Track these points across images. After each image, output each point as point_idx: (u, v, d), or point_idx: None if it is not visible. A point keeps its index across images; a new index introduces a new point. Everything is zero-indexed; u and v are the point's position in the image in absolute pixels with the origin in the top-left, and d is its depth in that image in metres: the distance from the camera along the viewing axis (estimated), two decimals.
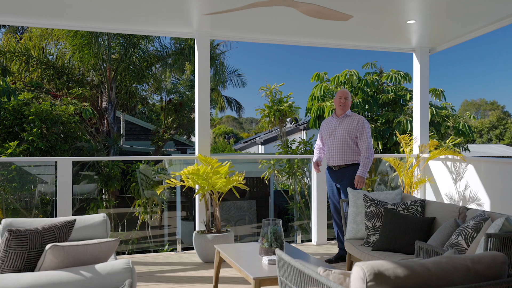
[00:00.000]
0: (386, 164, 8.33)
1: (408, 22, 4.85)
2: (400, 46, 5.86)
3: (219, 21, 4.86)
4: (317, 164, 4.75)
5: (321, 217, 5.46)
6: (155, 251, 8.27)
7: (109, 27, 5.05)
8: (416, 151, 5.72)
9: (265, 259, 3.16)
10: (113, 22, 4.89)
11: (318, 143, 4.85)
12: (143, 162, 9.11)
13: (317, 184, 5.46)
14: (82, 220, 3.47)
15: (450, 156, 5.33)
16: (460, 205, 3.69)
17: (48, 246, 2.15)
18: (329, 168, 4.68)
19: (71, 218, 3.36)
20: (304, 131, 18.32)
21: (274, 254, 3.26)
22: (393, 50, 5.95)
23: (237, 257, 3.30)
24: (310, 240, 5.64)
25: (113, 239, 2.38)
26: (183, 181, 4.80)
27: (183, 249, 5.21)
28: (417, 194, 5.52)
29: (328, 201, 5.05)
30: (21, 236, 2.20)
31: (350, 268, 4.11)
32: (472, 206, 5.04)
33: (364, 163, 4.49)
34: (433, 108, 9.22)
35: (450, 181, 5.41)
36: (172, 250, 7.24)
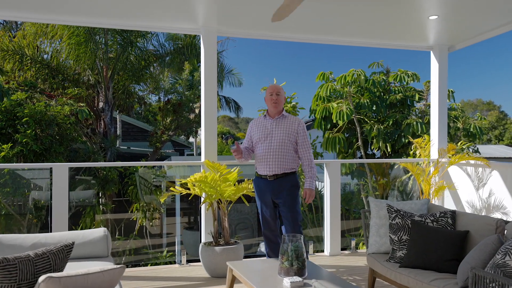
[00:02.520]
0: (396, 167, 8.01)
1: (430, 17, 4.52)
2: (417, 44, 5.53)
3: (227, 16, 4.51)
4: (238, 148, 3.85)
5: (335, 226, 5.12)
6: (155, 262, 7.94)
7: (108, 22, 4.68)
8: (434, 155, 5.39)
9: (287, 281, 2.82)
10: (113, 17, 4.53)
11: (245, 146, 4.07)
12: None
13: (330, 190, 5.12)
14: (81, 235, 3.11)
15: (472, 161, 5.00)
16: (497, 217, 3.36)
17: (41, 278, 1.80)
18: (262, 179, 3.90)
19: (69, 238, 3.01)
20: None
21: (295, 274, 2.92)
22: (410, 48, 5.62)
23: (254, 278, 2.96)
24: (322, 251, 5.30)
25: (118, 266, 2.03)
26: (188, 189, 4.46)
27: (188, 261, 4.85)
28: (436, 202, 5.20)
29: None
30: (9, 266, 1.84)
31: (372, 285, 3.77)
32: (497, 215, 4.72)
33: (312, 173, 3.89)
34: None
35: (471, 188, 5.09)
36: (172, 262, 6.87)
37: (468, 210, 5.11)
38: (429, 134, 6.26)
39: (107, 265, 2.70)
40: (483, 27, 4.91)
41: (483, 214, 4.88)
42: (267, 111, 3.99)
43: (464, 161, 5.10)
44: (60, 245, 2.05)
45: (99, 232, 3.16)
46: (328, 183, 5.13)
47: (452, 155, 5.15)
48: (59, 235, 3.04)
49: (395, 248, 3.53)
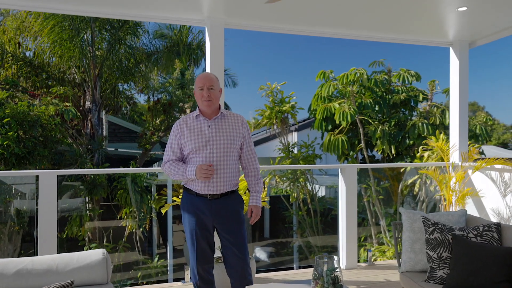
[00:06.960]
0: (402, 170, 7.65)
1: (459, 9, 4.13)
2: (435, 39, 5.15)
3: (236, 5, 4.05)
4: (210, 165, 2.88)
5: (351, 236, 4.70)
6: (146, 271, 7.44)
7: (102, 11, 4.18)
8: (456, 160, 5.00)
9: None
10: (107, 5, 4.02)
11: (171, 158, 3.04)
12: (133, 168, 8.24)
13: (346, 197, 4.70)
14: (75, 259, 2.61)
15: (498, 166, 4.63)
16: None
17: None
18: (199, 197, 2.97)
19: (61, 262, 2.52)
20: (296, 133, 17.58)
21: None
22: (427, 44, 5.23)
23: None
24: None
25: None
26: None
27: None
28: None
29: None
30: None
31: None
32: None
33: (260, 187, 3.14)
34: (447, 110, 8.59)
35: (497, 194, 4.72)
36: (165, 271, 6.38)
37: (493, 219, 4.74)
38: (435, 136, 5.91)
39: None
40: (509, 21, 4.55)
41: (511, 223, 4.52)
42: (198, 109, 3.04)
43: (488, 166, 4.73)
44: (56, 286, 1.57)
45: (97, 254, 2.66)
46: (344, 190, 4.71)
47: (476, 159, 4.78)
48: (49, 260, 2.54)
49: (435, 266, 3.12)
